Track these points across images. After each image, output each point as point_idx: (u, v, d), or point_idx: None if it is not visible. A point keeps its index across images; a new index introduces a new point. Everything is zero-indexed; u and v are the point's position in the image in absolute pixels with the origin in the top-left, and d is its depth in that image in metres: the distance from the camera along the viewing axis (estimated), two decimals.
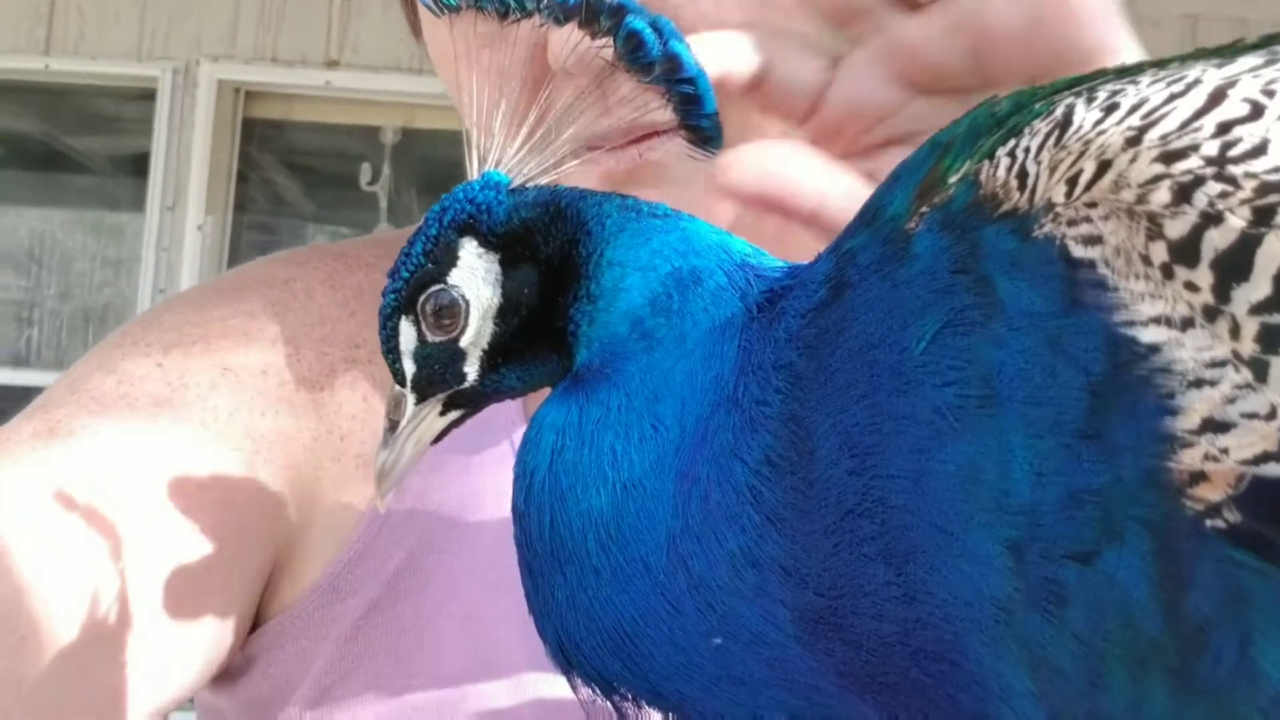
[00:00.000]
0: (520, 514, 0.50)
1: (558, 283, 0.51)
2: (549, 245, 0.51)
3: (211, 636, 0.75)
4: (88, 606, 0.67)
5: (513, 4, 0.56)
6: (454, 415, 0.54)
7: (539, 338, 0.52)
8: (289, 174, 4.54)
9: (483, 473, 0.80)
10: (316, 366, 0.81)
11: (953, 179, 0.41)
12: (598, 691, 0.48)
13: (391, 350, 0.53)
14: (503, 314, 0.52)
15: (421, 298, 0.52)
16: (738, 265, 0.50)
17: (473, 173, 0.55)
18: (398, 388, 0.54)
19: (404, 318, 0.53)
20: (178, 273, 4.01)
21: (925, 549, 0.39)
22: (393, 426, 0.54)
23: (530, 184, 0.54)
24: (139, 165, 4.15)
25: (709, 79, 0.54)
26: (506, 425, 0.80)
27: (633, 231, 0.50)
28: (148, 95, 4.05)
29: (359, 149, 4.28)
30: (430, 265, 0.52)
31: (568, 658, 0.49)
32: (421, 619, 0.78)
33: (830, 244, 0.48)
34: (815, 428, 0.42)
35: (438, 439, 0.55)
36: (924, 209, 0.41)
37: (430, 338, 0.52)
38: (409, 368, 0.53)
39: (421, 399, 0.53)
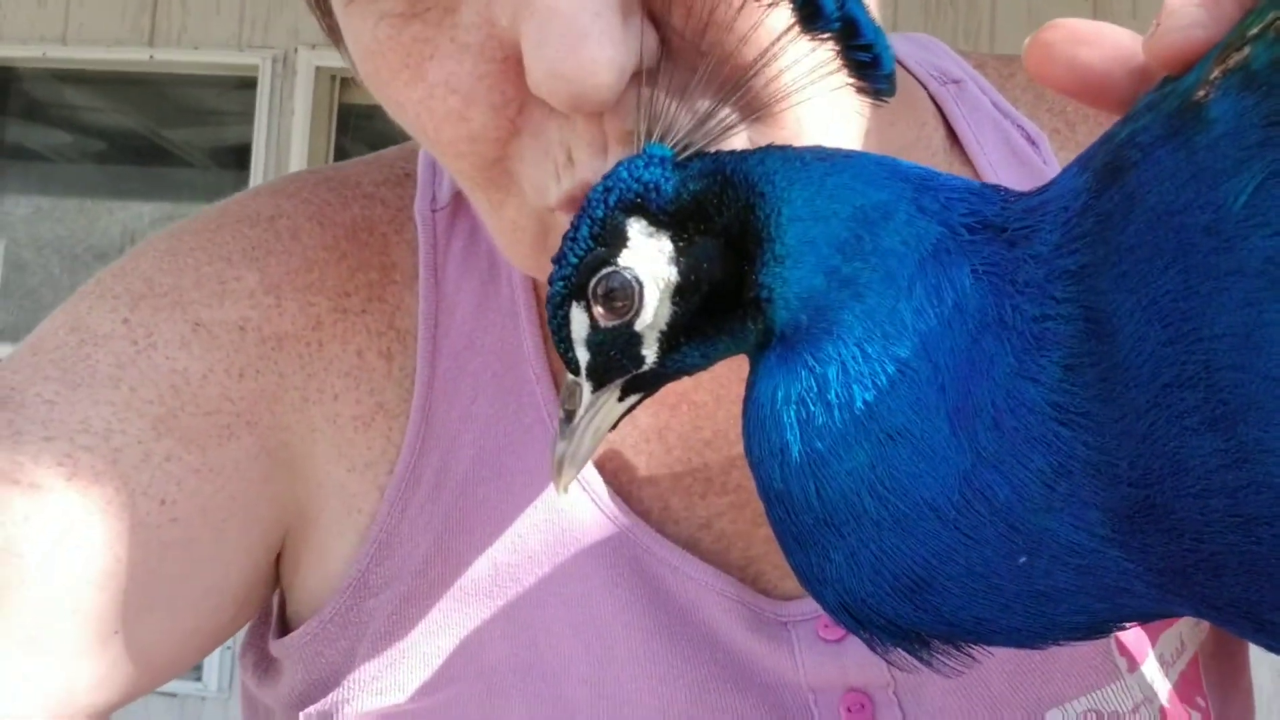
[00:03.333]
0: (779, 493, 0.46)
1: (738, 251, 0.48)
2: (723, 215, 0.48)
3: (206, 608, 0.69)
4: (53, 587, 0.61)
5: None
6: (633, 399, 0.52)
7: (723, 310, 0.49)
8: None
9: (508, 438, 0.72)
10: (301, 319, 0.72)
11: (1251, 33, 0.38)
12: (887, 639, 0.46)
13: (564, 339, 0.50)
14: (681, 292, 0.49)
15: (592, 282, 0.49)
16: (919, 189, 0.47)
17: (637, 146, 0.51)
18: (571, 377, 0.51)
19: (575, 304, 0.50)
20: None
21: (1261, 403, 0.36)
22: (569, 416, 0.51)
23: (694, 154, 0.50)
24: (238, 157, 4.20)
25: (886, 39, 0.49)
26: (530, 383, 0.73)
27: (804, 182, 0.48)
28: (248, 84, 4.10)
29: None
30: (599, 248, 0.49)
31: (854, 616, 0.46)
32: (458, 611, 0.71)
33: (1088, 149, 0.44)
34: (1114, 309, 0.40)
35: (615, 425, 0.52)
36: (1215, 75, 0.38)
37: (604, 323, 0.49)
38: (583, 356, 0.50)
39: (598, 386, 0.51)
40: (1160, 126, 0.39)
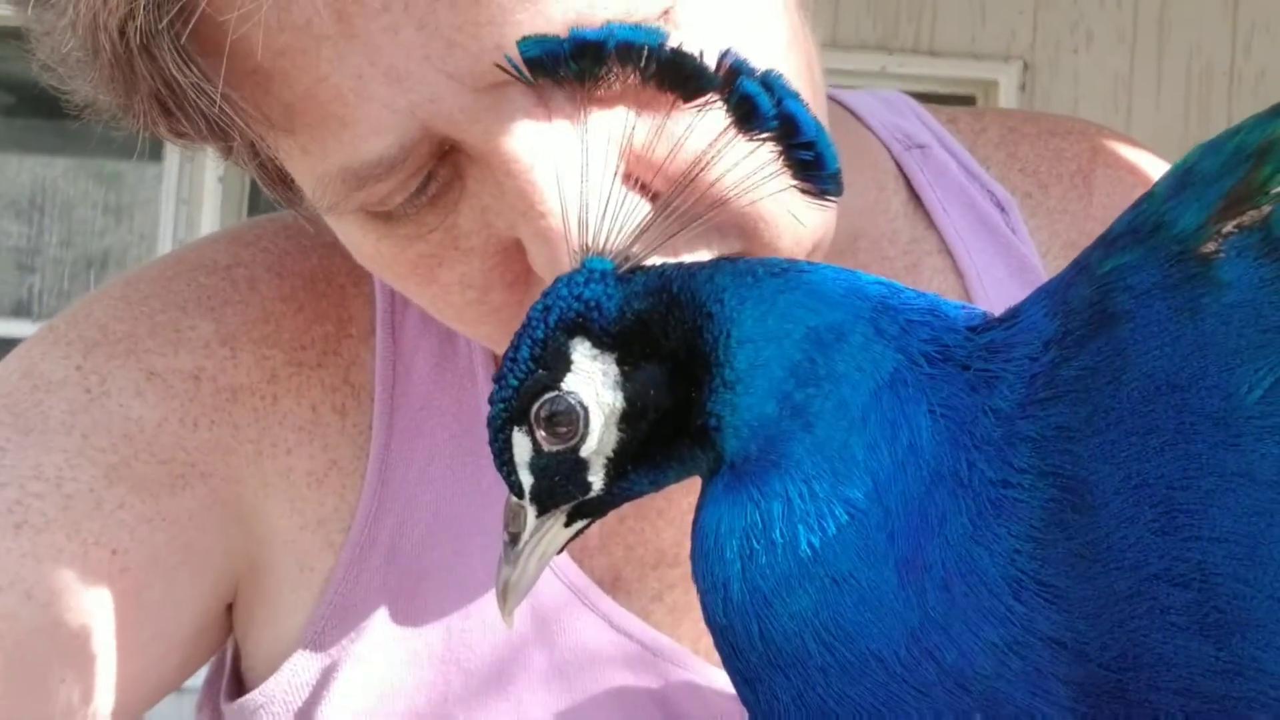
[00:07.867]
0: (723, 628, 0.45)
1: (686, 376, 0.46)
2: (670, 339, 0.47)
3: (155, 654, 0.68)
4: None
5: (595, 66, 0.49)
6: (580, 524, 0.50)
7: (672, 436, 0.47)
8: None
9: (466, 501, 0.72)
10: (256, 372, 0.72)
11: (1276, 189, 0.35)
12: None
13: (505, 463, 0.49)
14: (627, 419, 0.47)
15: (534, 406, 0.47)
16: (878, 310, 0.45)
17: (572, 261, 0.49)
18: (515, 499, 0.50)
19: (516, 429, 0.48)
20: (198, 224, 3.94)
21: (1262, 623, 0.34)
22: (513, 539, 0.50)
23: (637, 266, 0.49)
24: None
25: (827, 136, 0.47)
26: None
27: (755, 300, 0.46)
28: None
29: None
30: (541, 371, 0.47)
31: None
32: (413, 675, 0.71)
33: (1061, 277, 0.42)
34: (1097, 482, 0.37)
35: (561, 550, 0.50)
36: (1230, 228, 0.35)
37: (547, 448, 0.48)
38: (526, 479, 0.49)
39: (543, 511, 0.49)
40: (1157, 271, 0.37)
